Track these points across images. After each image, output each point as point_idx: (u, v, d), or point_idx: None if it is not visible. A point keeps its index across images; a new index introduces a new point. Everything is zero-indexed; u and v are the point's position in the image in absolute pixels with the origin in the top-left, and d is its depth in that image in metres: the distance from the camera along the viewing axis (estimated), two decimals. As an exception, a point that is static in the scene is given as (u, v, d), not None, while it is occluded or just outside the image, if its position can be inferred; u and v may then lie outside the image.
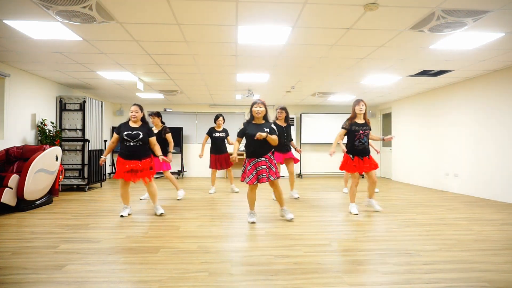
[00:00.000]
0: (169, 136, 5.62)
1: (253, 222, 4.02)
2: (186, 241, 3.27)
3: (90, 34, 4.02)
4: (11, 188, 4.51)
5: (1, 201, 4.34)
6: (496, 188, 5.78)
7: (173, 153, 9.68)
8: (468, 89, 6.49)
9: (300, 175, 10.07)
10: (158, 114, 5.71)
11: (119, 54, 4.89)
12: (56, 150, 5.35)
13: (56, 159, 5.31)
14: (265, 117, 4.04)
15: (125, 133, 4.22)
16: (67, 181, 6.58)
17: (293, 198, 5.80)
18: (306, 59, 5.12)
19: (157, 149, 4.50)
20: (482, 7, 3.22)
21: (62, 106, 6.74)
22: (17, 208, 4.62)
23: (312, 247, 3.08)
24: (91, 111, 6.91)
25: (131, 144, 4.22)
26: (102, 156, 4.31)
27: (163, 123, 5.79)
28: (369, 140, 4.70)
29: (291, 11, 3.35)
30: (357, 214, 4.50)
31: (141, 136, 4.25)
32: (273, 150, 4.08)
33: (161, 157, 4.45)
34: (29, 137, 6.08)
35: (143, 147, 4.30)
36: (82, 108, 6.72)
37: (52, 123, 6.56)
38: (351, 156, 4.55)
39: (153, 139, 4.44)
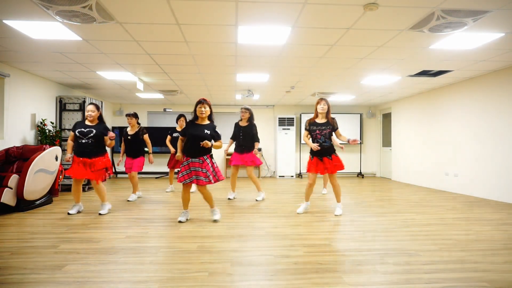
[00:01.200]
0: (146, 137, 5.60)
1: (180, 221, 3.98)
2: (186, 241, 3.27)
3: (90, 34, 4.02)
4: (11, 188, 4.51)
5: (1, 201, 4.34)
6: (496, 188, 5.78)
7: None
8: (468, 89, 6.49)
9: (300, 175, 10.08)
10: (135, 115, 5.66)
11: (119, 54, 4.89)
12: (56, 150, 5.34)
13: (56, 159, 5.31)
14: (209, 117, 4.04)
15: (78, 130, 4.30)
16: (67, 181, 6.58)
17: (258, 200, 5.56)
18: (306, 59, 5.12)
19: (109, 145, 4.47)
20: (482, 7, 3.22)
21: (62, 106, 6.74)
22: (17, 208, 4.61)
23: (312, 247, 3.08)
24: (91, 111, 6.89)
25: (83, 141, 4.28)
26: (68, 154, 4.32)
27: (139, 124, 5.73)
28: (338, 139, 4.53)
29: (291, 11, 3.35)
30: (299, 213, 4.48)
31: (93, 133, 4.30)
32: (211, 154, 4.00)
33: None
34: (29, 137, 6.08)
35: (95, 144, 4.33)
36: (82, 108, 6.72)
37: (52, 123, 6.56)
38: (310, 156, 4.49)
39: (107, 138, 4.41)
